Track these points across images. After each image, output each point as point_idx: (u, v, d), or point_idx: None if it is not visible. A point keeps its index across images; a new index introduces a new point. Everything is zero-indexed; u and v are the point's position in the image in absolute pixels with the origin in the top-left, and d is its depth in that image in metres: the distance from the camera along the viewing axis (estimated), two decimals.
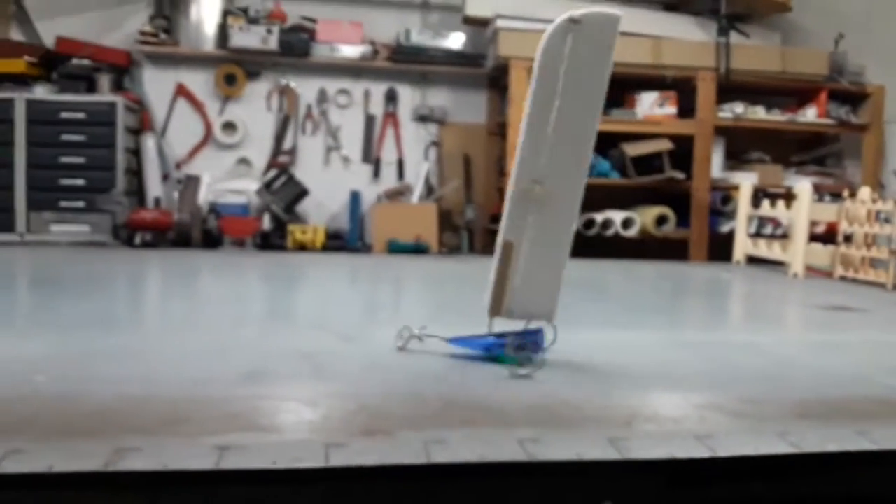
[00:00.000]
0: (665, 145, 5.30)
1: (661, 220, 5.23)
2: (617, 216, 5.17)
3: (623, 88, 5.41)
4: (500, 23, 5.23)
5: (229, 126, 5.67)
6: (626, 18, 6.04)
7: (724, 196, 5.36)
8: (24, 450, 0.91)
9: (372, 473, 0.88)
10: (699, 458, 0.99)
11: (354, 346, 1.70)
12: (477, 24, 5.56)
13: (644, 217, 5.20)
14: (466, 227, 5.67)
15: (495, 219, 5.71)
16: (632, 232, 5.21)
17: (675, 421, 1.20)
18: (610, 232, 5.16)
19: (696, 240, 5.35)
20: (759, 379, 1.54)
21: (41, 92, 5.17)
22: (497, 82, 5.80)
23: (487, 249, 5.85)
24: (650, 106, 5.38)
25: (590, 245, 5.09)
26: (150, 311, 2.46)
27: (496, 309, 1.59)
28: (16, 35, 5.54)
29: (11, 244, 4.99)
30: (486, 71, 5.69)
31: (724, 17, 5.37)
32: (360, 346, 1.72)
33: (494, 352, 1.53)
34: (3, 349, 1.57)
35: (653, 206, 5.27)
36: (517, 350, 1.50)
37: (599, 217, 5.13)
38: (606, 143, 5.37)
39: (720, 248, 5.35)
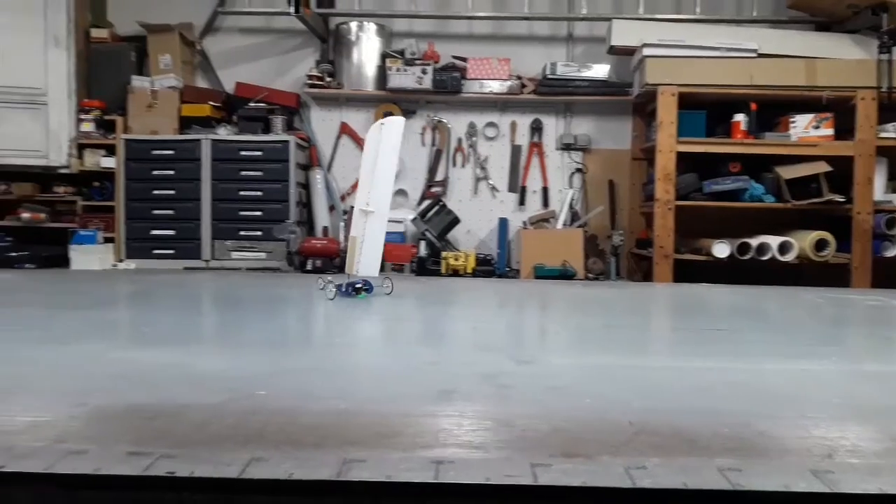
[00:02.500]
0: (822, 168, 5.15)
1: (820, 245, 5.08)
2: (773, 241, 5.06)
3: (776, 111, 5.33)
4: (646, 51, 5.31)
5: None
6: (778, 40, 5.93)
7: (889, 219, 5.13)
8: (264, 458, 1.05)
9: (577, 494, 0.95)
10: None
11: (531, 369, 1.79)
12: (622, 54, 5.66)
13: (802, 242, 5.07)
14: (613, 253, 5.73)
15: (641, 243, 5.77)
16: (789, 257, 5.08)
17: (878, 455, 1.19)
18: (765, 257, 5.07)
19: (859, 265, 5.14)
20: None
21: (223, 133, 5.77)
22: (643, 109, 5.86)
23: (634, 275, 5.89)
24: (805, 128, 5.25)
25: (745, 270, 5.03)
26: (333, 331, 2.66)
27: (349, 270, 3.15)
28: (200, 82, 6.22)
29: (198, 269, 5.57)
30: (631, 98, 5.77)
31: (886, 34, 5.17)
32: (537, 368, 1.80)
33: (351, 292, 3.07)
34: (221, 366, 1.76)
35: (810, 231, 5.12)
36: (362, 290, 3.09)
37: (754, 242, 5.05)
38: (759, 167, 5.30)
39: (884, 274, 5.11)
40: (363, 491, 0.98)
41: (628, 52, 5.58)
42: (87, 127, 5.69)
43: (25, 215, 5.72)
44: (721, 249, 5.09)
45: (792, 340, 2.51)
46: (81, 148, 5.74)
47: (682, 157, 5.26)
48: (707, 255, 5.16)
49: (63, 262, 5.40)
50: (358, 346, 2.24)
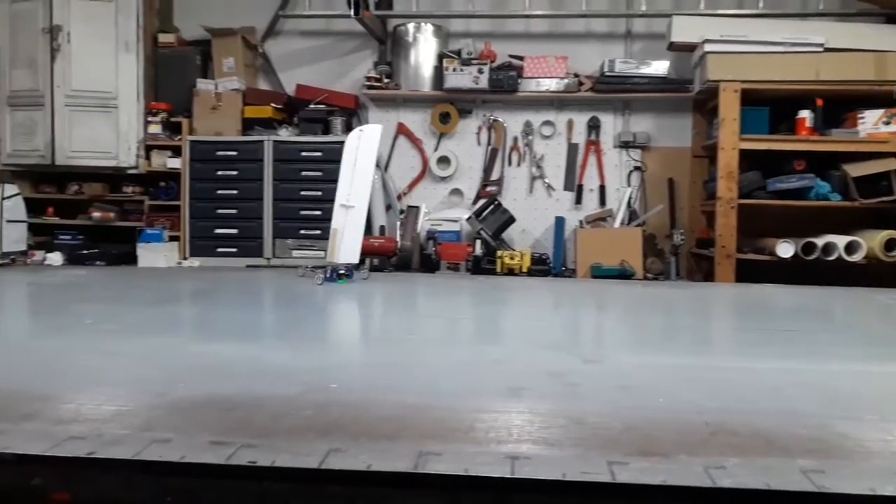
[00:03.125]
0: (892, 165, 4.97)
1: (890, 245, 4.90)
2: (840, 240, 4.91)
3: (843, 107, 5.16)
4: (707, 47, 5.21)
5: (443, 160, 6.11)
6: (845, 34, 5.75)
7: None
8: (343, 449, 1.09)
9: (656, 493, 0.94)
10: None
11: (598, 368, 1.79)
12: (682, 50, 5.57)
13: (870, 241, 4.90)
14: (673, 252, 5.64)
15: (702, 243, 5.66)
16: (856, 257, 4.92)
17: None
18: (831, 257, 4.92)
19: None
20: None
21: (285, 134, 5.88)
22: (703, 105, 5.75)
23: (694, 275, 5.78)
24: (874, 123, 5.07)
25: (809, 271, 4.89)
26: (394, 327, 2.70)
27: (331, 258, 3.46)
28: (262, 84, 6.36)
29: (260, 267, 5.70)
30: (691, 95, 5.67)
31: None
32: (603, 367, 1.80)
33: (334, 278, 3.39)
34: (291, 360, 1.82)
35: (879, 230, 4.95)
36: (343, 276, 3.38)
37: (820, 241, 4.91)
38: (826, 164, 5.14)
39: None
40: (441, 484, 1.00)
41: (689, 48, 5.48)
42: (155, 129, 5.89)
43: (96, 214, 5.95)
44: (785, 249, 4.96)
45: (863, 342, 2.44)
46: (149, 149, 5.94)
47: (744, 154, 5.14)
48: (770, 254, 5.04)
49: (131, 259, 5.60)
50: (422, 343, 2.26)
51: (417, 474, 1.01)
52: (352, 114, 6.12)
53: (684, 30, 5.43)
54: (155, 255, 5.51)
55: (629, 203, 5.90)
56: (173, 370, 1.67)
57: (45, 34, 5.79)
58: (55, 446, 1.15)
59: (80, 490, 1.13)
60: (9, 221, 5.65)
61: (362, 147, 3.54)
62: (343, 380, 1.58)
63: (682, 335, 2.48)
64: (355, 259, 3.57)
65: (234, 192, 5.78)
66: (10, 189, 5.66)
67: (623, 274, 5.32)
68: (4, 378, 1.57)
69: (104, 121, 5.85)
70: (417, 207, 5.81)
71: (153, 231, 5.64)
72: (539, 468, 1.01)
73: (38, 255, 5.65)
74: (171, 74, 6.05)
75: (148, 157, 5.94)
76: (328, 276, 3.54)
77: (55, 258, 5.61)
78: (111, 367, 1.73)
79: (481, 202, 5.92)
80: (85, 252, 5.76)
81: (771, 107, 5.18)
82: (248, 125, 5.90)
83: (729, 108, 5.11)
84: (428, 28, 5.96)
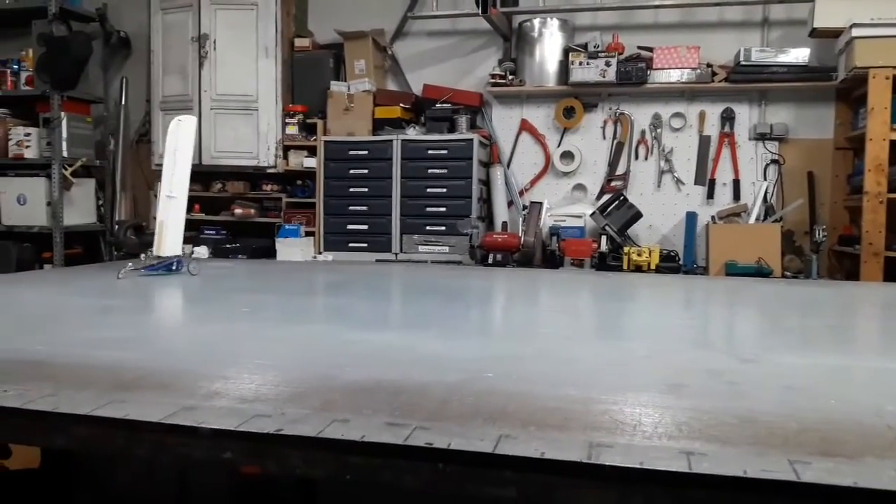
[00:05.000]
0: None
1: None
2: None
3: None
4: (855, 31, 4.91)
5: (567, 155, 6.08)
6: None
7: None
8: (514, 436, 1.10)
9: (842, 494, 0.91)
10: None
11: (757, 368, 1.73)
12: (826, 36, 5.27)
13: None
14: (814, 249, 5.35)
15: (844, 240, 5.33)
16: None
17: None
18: None
19: None
20: None
21: (412, 133, 6.04)
22: (848, 94, 5.42)
23: (835, 274, 5.47)
24: None
25: None
26: (529, 321, 2.70)
27: (157, 251, 3.37)
28: (391, 85, 6.56)
29: (389, 262, 5.89)
30: (834, 84, 5.36)
31: None
32: (763, 368, 1.74)
33: (164, 270, 3.32)
34: (443, 350, 1.86)
35: None
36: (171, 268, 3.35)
37: None
38: None
39: None
40: (615, 476, 1.01)
41: (833, 33, 5.18)
42: (292, 130, 6.20)
43: (238, 211, 6.34)
44: None
45: None
46: (286, 149, 6.27)
47: (894, 145, 4.80)
48: None
49: (270, 253, 5.94)
50: (566, 336, 2.24)
51: (591, 464, 1.03)
52: (476, 111, 6.20)
53: (828, 14, 5.13)
54: (292, 249, 5.81)
55: (765, 198, 5.64)
56: (336, 355, 1.77)
57: (193, 42, 6.23)
58: (245, 422, 1.23)
59: (267, 464, 1.23)
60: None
61: (181, 137, 3.46)
62: (497, 370, 1.62)
63: (842, 335, 2.36)
64: (179, 250, 3.44)
65: (365, 189, 6.00)
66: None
67: (760, 272, 5.11)
68: (183, 360, 1.71)
69: (246, 123, 6.23)
70: (540, 203, 5.81)
71: (290, 227, 5.96)
72: (717, 464, 1.01)
73: (187, 248, 6.08)
74: (307, 77, 6.35)
75: (286, 157, 6.27)
76: (155, 268, 3.36)
77: (202, 252, 6.02)
78: (278, 351, 1.85)
79: (606, 197, 5.85)
80: (228, 246, 6.15)
81: None
82: (378, 125, 6.11)
83: (879, 95, 4.80)
84: (554, 23, 5.94)
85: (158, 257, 3.40)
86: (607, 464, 1.02)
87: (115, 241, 6.20)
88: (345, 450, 1.18)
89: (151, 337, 2.10)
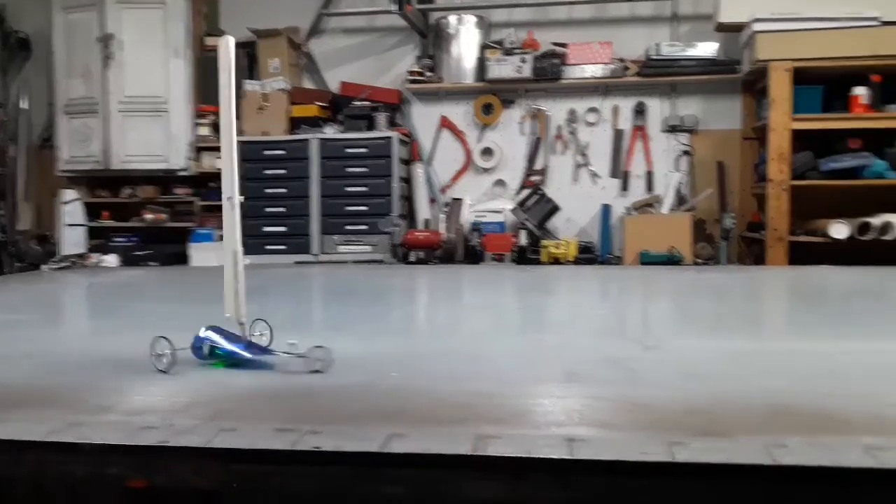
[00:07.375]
0: None
1: None
2: None
3: None
4: (756, 26, 5.09)
5: (487, 152, 6.11)
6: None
7: None
8: (405, 434, 1.10)
9: (715, 472, 0.93)
10: None
11: (658, 354, 1.77)
12: (731, 31, 5.45)
13: None
14: (724, 236, 5.54)
15: (753, 226, 5.54)
16: None
17: None
18: (889, 237, 4.77)
19: None
20: None
21: (330, 131, 5.95)
22: (753, 86, 5.63)
23: (745, 259, 5.67)
24: None
25: (865, 252, 4.75)
26: (448, 318, 2.71)
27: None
28: (307, 83, 6.45)
29: (308, 263, 5.79)
30: (740, 76, 5.56)
31: None
32: (664, 354, 1.78)
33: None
34: (353, 350, 1.82)
35: None
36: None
37: (877, 221, 4.77)
38: (882, 142, 4.99)
39: None
40: (500, 466, 1.01)
41: (737, 28, 5.36)
42: (204, 131, 6.02)
43: (149, 216, 6.12)
44: (839, 230, 4.83)
45: None
46: (199, 151, 6.07)
47: (796, 134, 5.02)
48: (824, 236, 4.91)
49: (183, 259, 5.74)
50: (479, 332, 2.26)
51: (474, 456, 1.03)
52: (395, 109, 6.16)
53: (732, 9, 5.31)
54: (206, 254, 5.64)
55: (677, 188, 5.81)
56: None
57: (98, 43, 5.97)
58: (131, 435, 1.18)
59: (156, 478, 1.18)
60: (68, 225, 5.85)
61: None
62: (404, 369, 1.62)
63: (740, 320, 2.44)
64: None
65: (283, 190, 5.88)
66: (70, 194, 5.86)
67: (671, 260, 5.25)
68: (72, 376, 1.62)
69: (155, 125, 6.01)
70: (461, 200, 5.83)
71: (204, 231, 5.78)
72: (600, 450, 1.02)
73: (95, 257, 5.83)
74: (218, 77, 6.15)
75: (198, 159, 6.08)
76: None
77: (111, 260, 5.78)
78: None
79: (525, 192, 5.91)
80: (139, 253, 5.92)
81: (824, 85, 5.04)
82: (295, 124, 5.99)
83: (779, 88, 5.00)
84: (470, 19, 5.95)
85: None
86: (491, 454, 1.02)
87: (17, 251, 5.89)
88: (233, 458, 1.14)
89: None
